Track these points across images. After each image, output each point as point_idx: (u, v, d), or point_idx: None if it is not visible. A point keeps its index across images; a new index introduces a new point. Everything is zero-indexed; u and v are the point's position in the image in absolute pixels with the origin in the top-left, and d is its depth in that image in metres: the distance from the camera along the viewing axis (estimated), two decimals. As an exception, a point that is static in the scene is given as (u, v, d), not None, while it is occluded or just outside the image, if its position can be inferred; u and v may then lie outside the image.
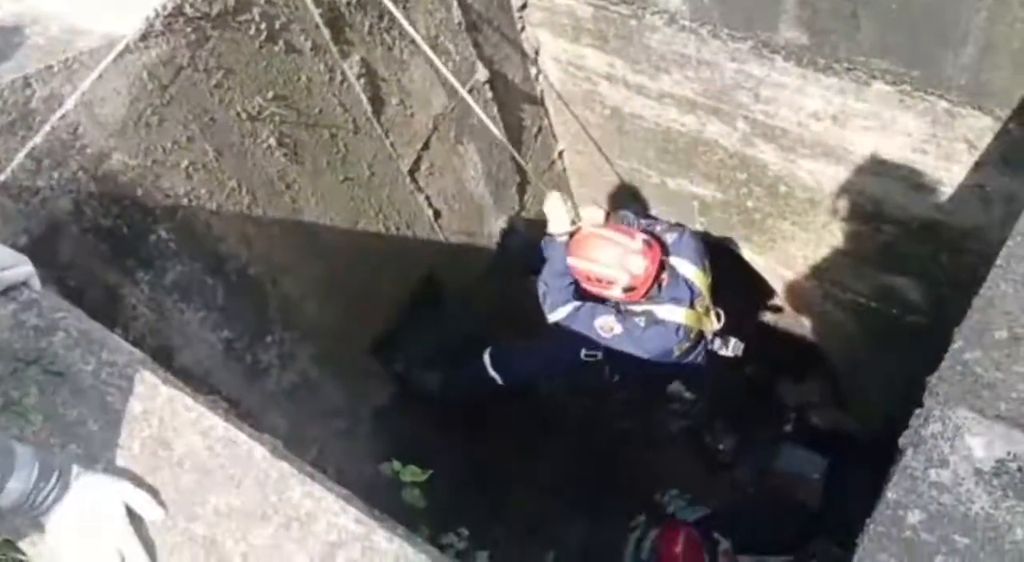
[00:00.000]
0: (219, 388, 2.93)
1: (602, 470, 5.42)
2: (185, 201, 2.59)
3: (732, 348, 3.94)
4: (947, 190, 3.40)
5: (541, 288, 3.80)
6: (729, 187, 4.14)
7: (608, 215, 3.79)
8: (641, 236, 3.63)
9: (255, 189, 2.82)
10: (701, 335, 3.78)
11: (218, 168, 2.65)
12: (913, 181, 3.44)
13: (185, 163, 2.53)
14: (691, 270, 3.73)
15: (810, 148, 3.59)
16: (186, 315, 2.74)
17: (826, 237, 4.07)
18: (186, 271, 2.68)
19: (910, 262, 3.86)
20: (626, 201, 4.70)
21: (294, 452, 3.24)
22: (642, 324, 3.59)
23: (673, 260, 3.73)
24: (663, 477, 5.81)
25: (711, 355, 3.94)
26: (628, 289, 3.57)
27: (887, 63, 3.05)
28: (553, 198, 3.66)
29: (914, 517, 1.41)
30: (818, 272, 4.39)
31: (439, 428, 4.46)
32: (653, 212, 4.69)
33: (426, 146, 3.52)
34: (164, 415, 1.54)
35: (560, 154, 4.67)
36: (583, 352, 3.68)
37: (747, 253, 4.65)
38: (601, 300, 3.75)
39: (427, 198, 3.67)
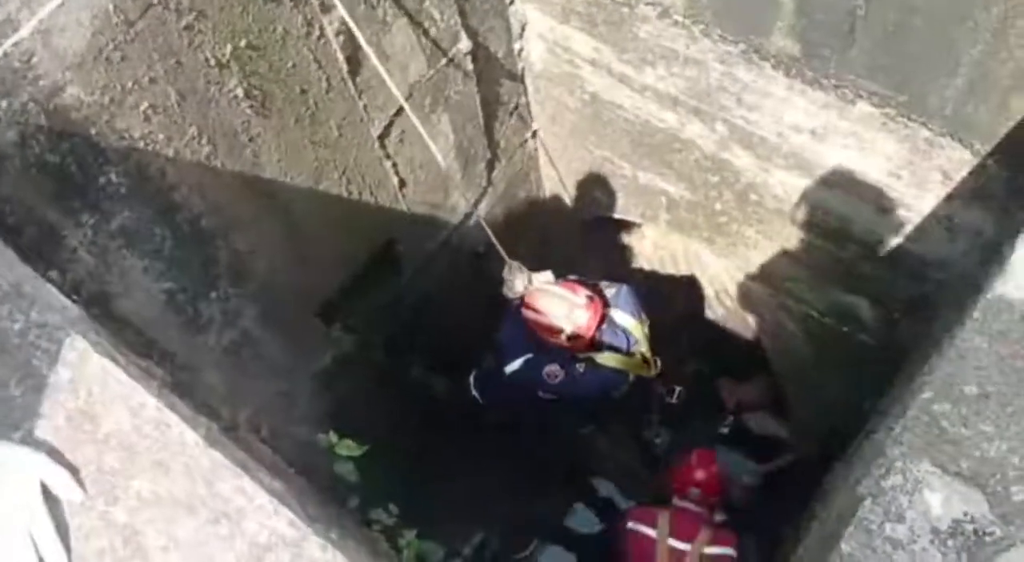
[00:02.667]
0: (156, 339, 2.83)
1: (539, 452, 5.40)
2: (141, 144, 2.44)
3: (677, 396, 4.62)
4: (915, 218, 3.40)
5: (499, 344, 4.20)
6: (699, 188, 4.10)
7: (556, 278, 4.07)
8: (585, 292, 3.94)
9: (216, 139, 2.68)
10: (642, 379, 4.18)
11: (179, 113, 2.50)
12: (883, 204, 3.44)
13: (145, 105, 2.38)
14: (629, 321, 4.12)
15: (786, 159, 3.56)
16: (128, 262, 2.61)
17: (789, 248, 4.06)
18: (134, 217, 2.54)
19: (868, 283, 3.88)
20: (593, 190, 4.65)
21: (228, 410, 3.15)
22: (581, 369, 3.97)
23: (612, 312, 4.08)
24: (600, 464, 5.84)
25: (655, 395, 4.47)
26: (572, 338, 3.87)
27: (875, 85, 3.02)
28: (512, 266, 3.95)
29: (865, 572, 1.38)
30: (776, 281, 4.39)
31: (381, 397, 4.39)
32: (619, 204, 4.65)
33: (399, 112, 3.39)
34: (93, 387, 1.42)
35: (534, 133, 4.58)
36: (539, 392, 4.07)
37: (708, 255, 4.63)
38: (551, 350, 4.06)
39: (394, 165, 3.55)
